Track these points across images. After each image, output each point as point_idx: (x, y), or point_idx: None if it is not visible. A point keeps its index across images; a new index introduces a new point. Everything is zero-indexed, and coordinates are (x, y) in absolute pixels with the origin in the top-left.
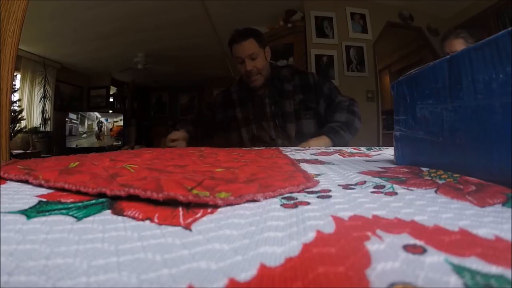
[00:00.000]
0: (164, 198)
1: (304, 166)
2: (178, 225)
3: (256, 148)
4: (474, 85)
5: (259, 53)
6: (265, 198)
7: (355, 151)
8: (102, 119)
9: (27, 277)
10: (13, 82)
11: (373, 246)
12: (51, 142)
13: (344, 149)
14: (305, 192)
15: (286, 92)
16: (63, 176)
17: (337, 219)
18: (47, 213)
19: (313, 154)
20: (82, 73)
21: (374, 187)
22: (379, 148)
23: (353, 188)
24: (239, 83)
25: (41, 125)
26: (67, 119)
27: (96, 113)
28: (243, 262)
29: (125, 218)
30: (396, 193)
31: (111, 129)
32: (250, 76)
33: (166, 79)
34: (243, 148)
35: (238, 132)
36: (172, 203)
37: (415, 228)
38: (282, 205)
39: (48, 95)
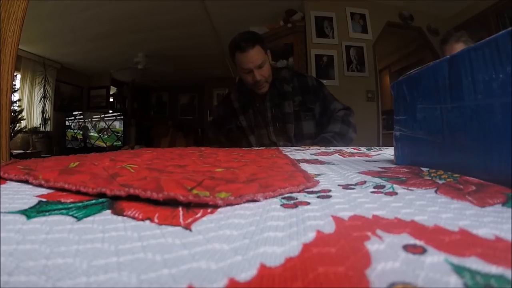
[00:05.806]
0: (164, 198)
1: (304, 166)
2: (178, 225)
3: (256, 148)
4: (474, 85)
5: (265, 60)
6: (265, 198)
7: (355, 151)
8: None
9: (27, 277)
10: (13, 82)
11: (373, 246)
12: (51, 142)
13: (344, 149)
14: (305, 192)
15: (286, 93)
16: (63, 176)
17: (337, 219)
18: (47, 213)
19: (313, 154)
20: (82, 73)
21: (374, 187)
22: (379, 148)
23: (353, 188)
24: (239, 89)
25: (41, 125)
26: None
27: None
28: (243, 262)
29: (125, 218)
30: (396, 193)
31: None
32: (258, 85)
33: (166, 79)
34: (243, 148)
35: (244, 142)
36: (172, 203)
37: (415, 228)
38: (282, 205)
39: (48, 95)
